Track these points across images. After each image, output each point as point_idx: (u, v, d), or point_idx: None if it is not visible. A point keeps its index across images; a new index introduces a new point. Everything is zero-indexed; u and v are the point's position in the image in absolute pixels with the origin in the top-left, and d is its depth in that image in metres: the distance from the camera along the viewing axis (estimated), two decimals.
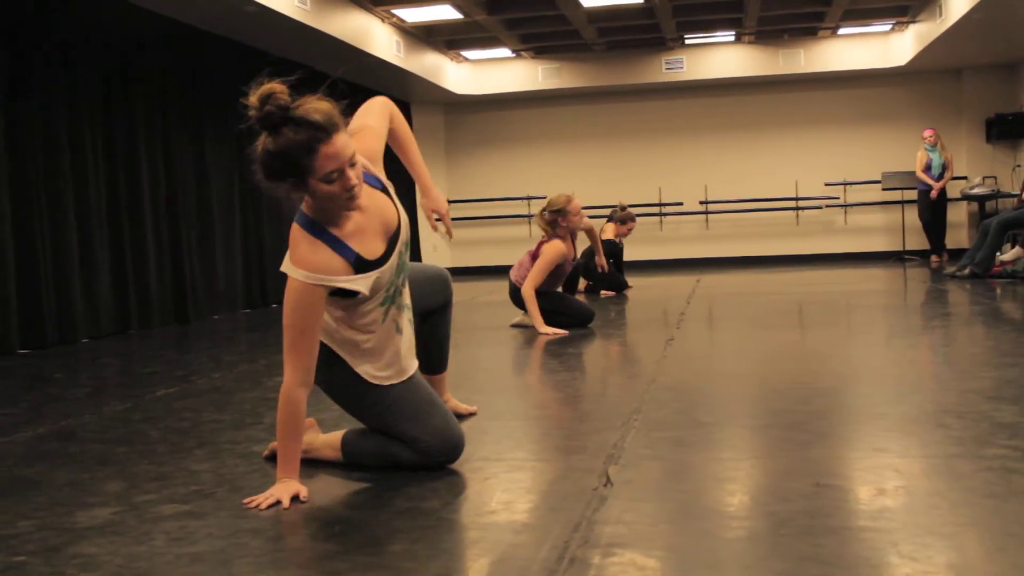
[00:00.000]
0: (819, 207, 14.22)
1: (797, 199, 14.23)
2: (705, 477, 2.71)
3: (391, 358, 2.85)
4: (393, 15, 10.74)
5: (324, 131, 2.55)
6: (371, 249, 2.71)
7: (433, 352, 3.47)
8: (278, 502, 2.55)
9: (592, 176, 14.29)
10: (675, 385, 4.25)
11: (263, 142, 2.59)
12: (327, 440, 2.98)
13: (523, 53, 13.51)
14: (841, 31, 12.95)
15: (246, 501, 2.58)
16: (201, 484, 2.81)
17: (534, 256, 6.61)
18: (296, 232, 2.68)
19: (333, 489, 2.72)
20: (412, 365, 2.94)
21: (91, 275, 7.28)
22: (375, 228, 2.75)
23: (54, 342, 6.81)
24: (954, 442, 2.94)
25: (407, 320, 2.95)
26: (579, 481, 2.67)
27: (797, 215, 14.37)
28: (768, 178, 14.27)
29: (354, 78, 11.86)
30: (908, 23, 12.41)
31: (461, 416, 3.55)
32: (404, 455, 2.84)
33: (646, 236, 14.20)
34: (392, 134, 3.14)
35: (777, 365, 4.86)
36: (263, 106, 2.59)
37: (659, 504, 2.45)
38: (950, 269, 9.98)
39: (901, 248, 13.70)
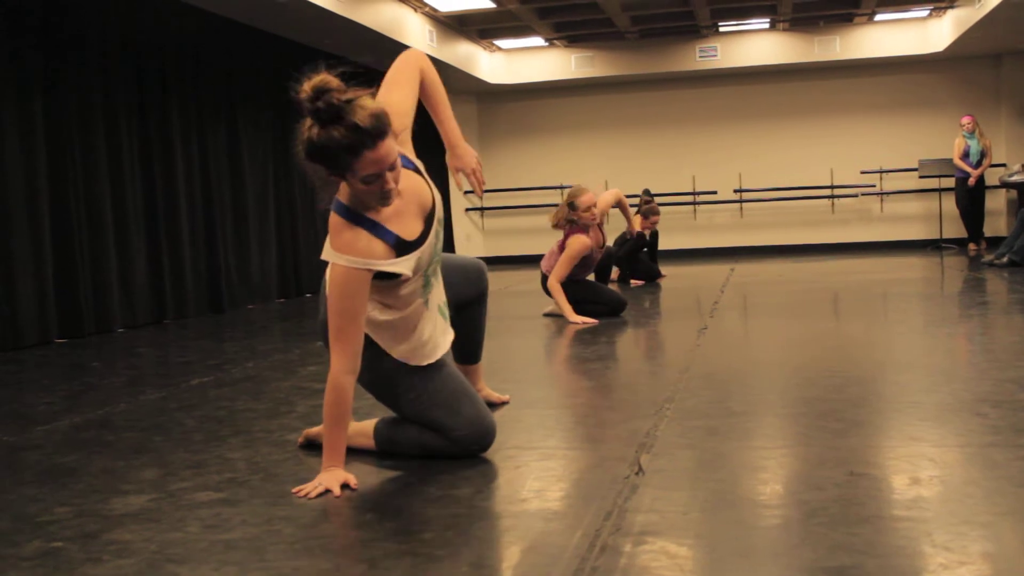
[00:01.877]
0: (855, 195, 14.11)
1: (832, 187, 14.12)
2: (737, 466, 2.70)
3: (427, 335, 2.85)
4: (426, 4, 10.74)
5: (371, 137, 2.51)
6: (410, 230, 2.72)
7: (467, 342, 3.46)
8: (327, 491, 2.56)
9: (625, 165, 14.25)
10: (708, 374, 4.24)
11: (310, 129, 2.55)
12: (359, 428, 2.99)
13: (556, 42, 13.48)
14: (878, 17, 12.82)
15: (295, 490, 2.59)
16: (236, 472, 2.83)
17: (561, 247, 6.60)
18: (335, 220, 2.67)
19: (366, 477, 2.73)
20: (446, 343, 2.94)
21: (127, 266, 7.36)
22: (412, 209, 2.76)
23: (91, 332, 6.89)
24: (990, 431, 2.91)
25: (441, 299, 2.96)
26: (611, 469, 2.67)
27: (832, 203, 14.26)
28: (803, 166, 14.17)
29: (387, 68, 11.88)
30: (946, 8, 12.26)
31: (494, 405, 3.56)
32: (436, 443, 2.85)
33: (680, 225, 14.16)
34: (422, 89, 3.11)
35: (811, 354, 4.82)
36: (316, 99, 2.54)
37: (691, 492, 2.44)
38: (988, 257, 9.87)
39: (938, 236, 13.56)
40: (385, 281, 2.72)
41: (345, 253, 2.63)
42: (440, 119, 3.14)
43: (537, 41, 13.34)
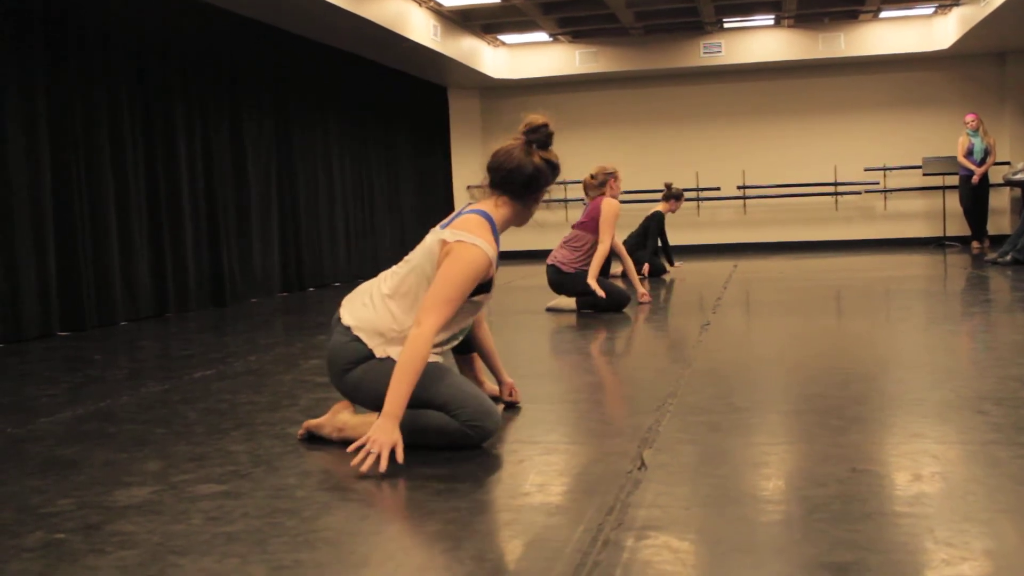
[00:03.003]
0: (858, 192, 14.10)
1: (836, 184, 14.10)
2: (740, 462, 2.70)
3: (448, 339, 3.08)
4: None
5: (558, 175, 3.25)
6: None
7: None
8: (378, 459, 2.63)
9: (629, 161, 14.21)
10: (711, 370, 4.24)
11: (521, 153, 3.14)
12: (363, 420, 3.00)
13: (560, 37, 13.47)
14: (883, 14, 12.79)
15: (350, 449, 2.69)
16: (238, 464, 2.83)
17: (582, 223, 6.77)
18: (480, 221, 3.00)
19: (368, 475, 2.73)
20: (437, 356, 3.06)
21: (130, 259, 7.36)
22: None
23: (93, 325, 6.89)
24: (992, 429, 2.91)
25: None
26: (613, 464, 2.67)
27: (836, 200, 14.24)
28: (807, 163, 14.16)
29: (391, 62, 11.89)
30: (951, 6, 12.24)
31: (497, 400, 3.56)
32: (442, 425, 2.87)
33: (683, 221, 14.14)
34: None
35: (814, 350, 4.82)
36: (535, 131, 3.24)
37: (693, 488, 2.44)
38: (991, 255, 9.86)
39: (942, 234, 13.55)
40: (473, 296, 2.97)
41: (487, 244, 2.94)
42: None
43: (541, 36, 13.33)
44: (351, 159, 11.25)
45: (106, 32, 7.24)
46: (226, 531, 2.23)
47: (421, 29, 10.82)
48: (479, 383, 3.56)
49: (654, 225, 9.94)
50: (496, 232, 3.05)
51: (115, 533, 2.25)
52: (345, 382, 3.01)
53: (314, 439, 3.08)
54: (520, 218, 3.15)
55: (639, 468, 2.61)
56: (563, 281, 6.75)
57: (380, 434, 2.67)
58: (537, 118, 3.20)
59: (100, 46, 7.17)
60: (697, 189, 14.36)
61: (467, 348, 3.54)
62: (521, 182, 3.08)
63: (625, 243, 9.14)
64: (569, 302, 6.70)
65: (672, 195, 10.31)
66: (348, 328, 3.02)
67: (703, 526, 2.16)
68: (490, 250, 2.93)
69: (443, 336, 2.99)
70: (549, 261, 6.85)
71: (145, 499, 2.52)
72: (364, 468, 2.62)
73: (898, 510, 2.20)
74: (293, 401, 3.81)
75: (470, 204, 3.15)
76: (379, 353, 2.95)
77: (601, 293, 6.48)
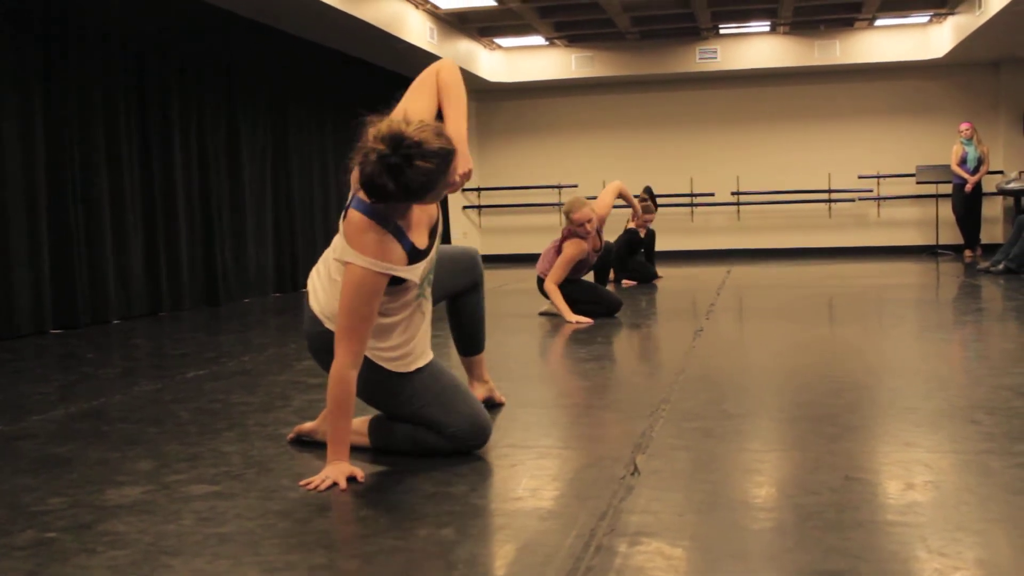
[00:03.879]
0: (852, 200, 14.13)
1: (830, 191, 14.14)
2: (733, 468, 2.70)
3: (414, 341, 2.87)
4: (427, 1, 10.74)
5: (451, 156, 2.65)
6: (420, 240, 2.77)
7: (467, 333, 3.47)
8: (335, 484, 2.56)
9: (624, 166, 14.25)
10: (704, 376, 4.24)
11: (396, 174, 2.56)
12: (353, 426, 2.98)
13: (556, 41, 13.48)
14: (878, 22, 12.83)
15: (302, 483, 2.59)
16: (230, 465, 2.83)
17: (557, 249, 6.64)
18: (360, 220, 2.68)
19: (361, 471, 2.73)
20: (430, 351, 2.96)
21: (124, 257, 7.35)
22: (423, 220, 2.81)
23: (86, 323, 6.88)
24: (985, 438, 2.91)
25: (428, 306, 2.97)
26: (606, 470, 2.67)
27: (830, 207, 14.27)
28: (801, 170, 14.19)
29: (387, 64, 11.88)
30: (947, 15, 12.27)
31: (493, 405, 3.56)
32: (431, 439, 2.84)
33: (677, 226, 14.17)
34: (438, 90, 3.05)
35: (807, 358, 4.83)
36: (395, 150, 2.57)
37: (686, 494, 2.44)
38: (984, 264, 9.88)
39: (934, 242, 13.58)
40: (391, 286, 2.73)
41: (368, 255, 2.64)
42: (447, 116, 3.07)
43: (538, 40, 13.34)
44: (345, 158, 11.21)
45: (104, 31, 7.24)
46: (218, 532, 2.23)
47: (417, 31, 10.83)
48: (483, 381, 3.55)
49: (624, 238, 9.65)
50: (381, 217, 2.67)
51: (106, 533, 2.25)
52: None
53: (303, 443, 3.07)
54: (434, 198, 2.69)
55: (632, 474, 2.61)
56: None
57: (334, 470, 2.61)
58: (377, 139, 2.63)
59: (97, 44, 7.16)
60: (691, 195, 14.38)
61: (474, 349, 3.51)
62: (421, 194, 2.65)
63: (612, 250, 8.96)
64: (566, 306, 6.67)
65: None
66: (315, 317, 2.87)
67: (696, 532, 2.16)
68: (372, 263, 2.62)
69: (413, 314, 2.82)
70: (536, 271, 6.85)
71: (137, 499, 2.51)
72: (320, 489, 2.55)
73: (891, 519, 2.20)
74: (286, 402, 3.80)
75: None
76: None
77: (573, 319, 6.35)
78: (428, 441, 2.85)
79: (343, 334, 2.65)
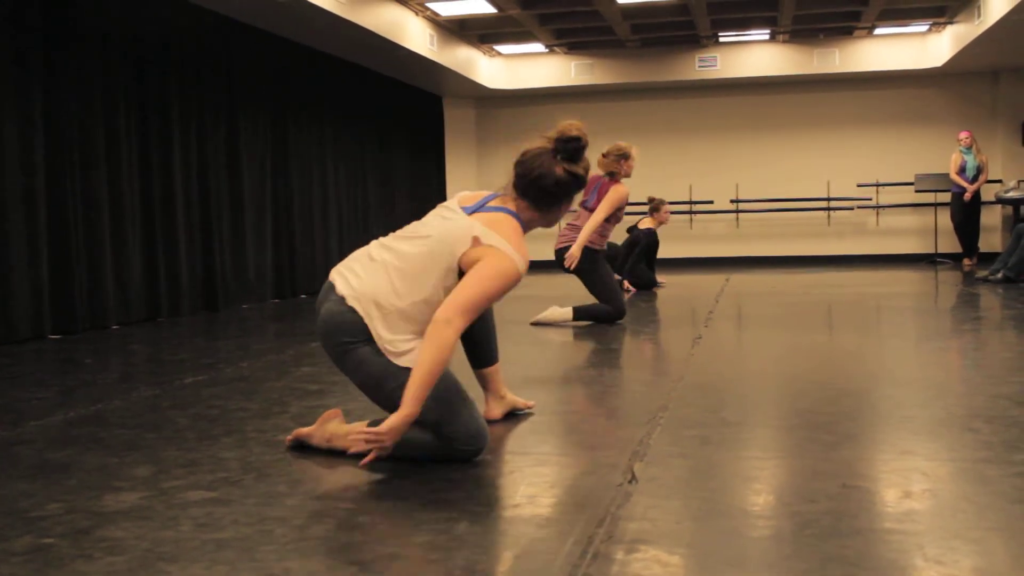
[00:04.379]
0: (851, 208, 14.13)
1: (829, 199, 14.14)
2: (730, 476, 2.71)
3: (420, 339, 2.88)
4: (427, 8, 10.76)
5: (582, 188, 3.18)
6: None
7: (482, 343, 3.43)
8: (380, 448, 2.69)
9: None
10: (702, 383, 4.24)
11: (546, 160, 3.04)
12: (349, 429, 2.98)
13: (556, 48, 13.49)
14: (877, 31, 12.85)
15: (356, 436, 2.72)
16: (228, 471, 2.83)
17: (585, 204, 6.81)
18: (514, 225, 2.98)
19: (357, 480, 2.73)
20: None
21: (122, 262, 7.35)
22: None
23: (85, 328, 6.88)
24: (982, 446, 2.92)
25: None
26: (604, 477, 2.67)
27: (829, 216, 14.28)
28: (800, 178, 14.20)
29: (387, 71, 11.90)
30: (946, 24, 12.29)
31: (518, 411, 3.54)
32: (429, 443, 2.84)
33: (676, 234, 14.16)
34: None
35: (805, 365, 4.83)
36: (567, 142, 3.04)
37: (684, 502, 2.44)
38: (982, 273, 9.89)
39: (933, 251, 13.59)
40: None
41: (522, 255, 2.92)
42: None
43: (537, 47, 13.36)
44: (346, 166, 11.25)
45: (104, 33, 7.24)
46: (216, 538, 2.23)
47: (417, 38, 10.84)
48: (499, 397, 3.52)
49: (644, 241, 9.82)
50: (523, 228, 3.04)
51: (104, 539, 2.25)
52: (344, 361, 2.91)
53: (303, 447, 3.07)
54: (543, 222, 3.12)
55: (630, 481, 2.61)
56: (583, 259, 6.76)
57: (391, 436, 2.66)
58: (571, 128, 3.04)
59: (98, 48, 7.17)
60: (690, 202, 14.39)
61: (488, 360, 3.48)
62: (541, 191, 3.03)
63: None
64: (563, 313, 6.68)
65: (654, 208, 10.12)
66: (342, 298, 2.90)
67: (693, 540, 2.16)
68: (522, 264, 2.91)
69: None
70: (558, 245, 6.86)
71: (134, 505, 2.51)
72: (357, 449, 2.71)
73: (888, 527, 2.20)
74: (284, 408, 3.80)
75: (495, 195, 3.09)
76: (374, 328, 2.85)
77: (575, 255, 6.51)
78: (425, 444, 2.84)
79: (467, 307, 2.78)
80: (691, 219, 14.52)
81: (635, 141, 14.42)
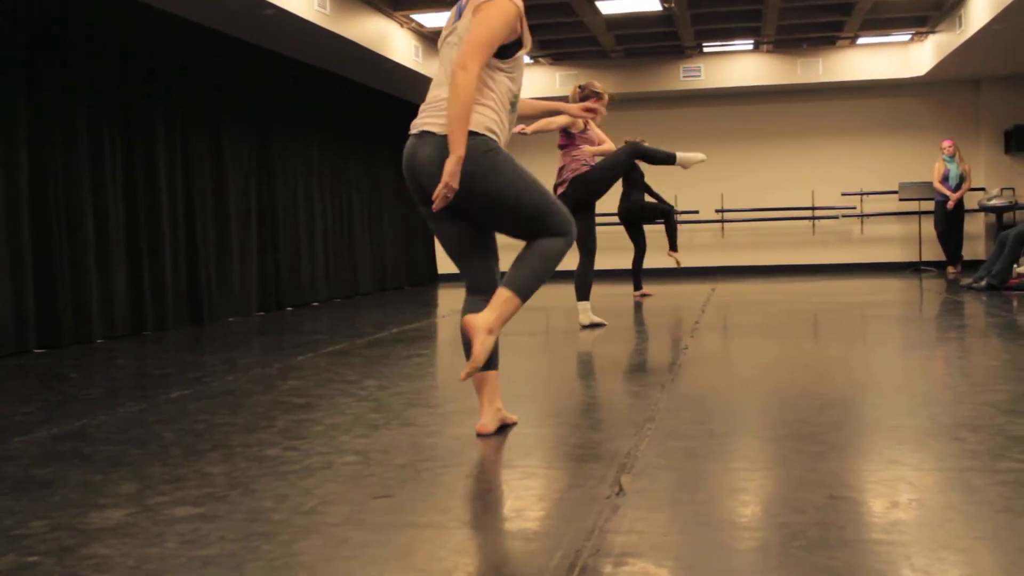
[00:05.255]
0: (836, 217, 14.19)
1: (814, 208, 14.20)
2: (718, 487, 2.70)
3: (504, 127, 3.38)
4: (412, 20, 10.77)
5: None
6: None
7: None
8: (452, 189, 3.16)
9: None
10: (689, 394, 4.24)
11: None
12: (494, 303, 3.29)
13: (541, 59, 13.52)
14: (860, 40, 12.92)
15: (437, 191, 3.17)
16: (214, 487, 2.82)
17: (570, 145, 7.15)
18: None
19: (345, 495, 2.72)
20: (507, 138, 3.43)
21: (107, 276, 7.33)
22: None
23: (70, 342, 6.85)
24: (969, 455, 2.92)
25: (513, 122, 3.47)
26: (592, 489, 2.67)
27: (813, 224, 14.33)
28: (785, 187, 14.25)
29: (372, 82, 11.90)
30: (928, 33, 12.37)
31: (506, 425, 3.52)
32: (546, 239, 3.35)
33: (662, 244, 14.17)
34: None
35: (791, 375, 4.84)
36: None
37: (671, 514, 2.44)
38: (966, 281, 9.93)
39: (918, 259, 13.65)
40: (508, 55, 3.33)
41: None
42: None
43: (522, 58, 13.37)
44: (331, 178, 11.24)
45: (89, 48, 7.23)
46: (202, 555, 2.22)
47: (403, 50, 10.85)
48: (494, 407, 3.47)
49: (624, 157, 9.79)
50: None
51: (89, 556, 2.23)
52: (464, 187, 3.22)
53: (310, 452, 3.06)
54: None
55: (617, 494, 2.61)
56: (589, 179, 6.94)
57: (450, 179, 3.13)
58: None
59: (82, 61, 7.16)
60: (676, 212, 14.40)
61: (488, 365, 3.43)
62: None
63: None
64: (584, 309, 6.86)
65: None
66: (436, 137, 3.28)
67: (681, 552, 2.16)
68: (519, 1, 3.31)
69: (507, 98, 3.37)
70: (567, 176, 6.97)
71: (120, 521, 2.50)
72: (442, 202, 3.16)
73: (875, 537, 2.21)
74: (271, 423, 3.79)
75: None
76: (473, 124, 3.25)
77: (610, 146, 6.74)
78: (545, 247, 3.35)
79: (474, 46, 3.21)
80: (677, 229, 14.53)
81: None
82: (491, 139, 3.30)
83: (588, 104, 4.06)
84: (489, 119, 3.31)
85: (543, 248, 3.36)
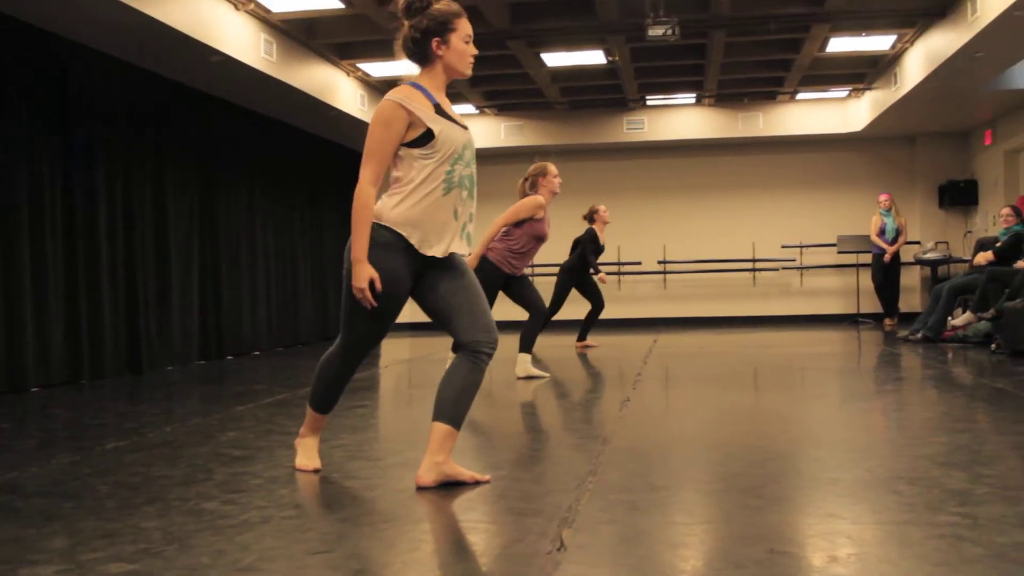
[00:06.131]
0: (776, 269, 14.37)
1: (754, 260, 14.38)
2: (659, 542, 2.71)
3: (428, 224, 3.33)
4: (358, 69, 10.81)
5: (460, 13, 3.46)
6: (450, 111, 3.45)
7: (441, 394, 3.40)
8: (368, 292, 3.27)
9: (551, 232, 14.31)
10: (630, 447, 4.25)
11: (412, 25, 3.43)
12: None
13: (487, 110, 13.62)
14: (799, 96, 13.19)
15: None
16: (149, 542, 2.76)
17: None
18: (403, 86, 3.42)
19: (282, 552, 2.68)
20: (446, 248, 3.37)
21: (43, 323, 7.19)
22: (454, 115, 3.48)
23: (3, 391, 6.71)
24: (906, 509, 2.96)
25: (464, 209, 3.41)
26: (533, 544, 2.66)
27: (754, 276, 14.50)
28: (726, 239, 14.43)
29: (318, 131, 11.90)
30: (865, 90, 12.66)
31: (463, 483, 3.44)
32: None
33: (605, 295, 14.25)
34: None
35: (732, 427, 4.87)
36: (409, 7, 3.44)
37: (613, 569, 2.44)
38: (903, 333, 10.09)
39: (855, 311, 13.85)
40: (422, 143, 3.32)
41: (394, 96, 3.35)
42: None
43: (468, 108, 13.46)
44: (275, 226, 11.18)
45: (28, 94, 7.14)
46: None
47: (349, 98, 10.87)
48: (434, 460, 3.41)
49: (585, 236, 10.11)
50: (427, 92, 3.40)
51: None
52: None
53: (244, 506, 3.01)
54: (447, 73, 3.50)
55: (558, 549, 2.60)
56: (482, 267, 6.81)
57: (357, 281, 3.23)
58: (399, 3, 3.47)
59: (22, 106, 7.07)
60: (619, 263, 14.52)
61: (434, 415, 3.40)
62: (411, 53, 3.49)
63: (567, 268, 9.94)
64: (523, 362, 6.88)
65: (591, 215, 10.34)
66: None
67: None
68: (398, 96, 3.32)
69: (436, 181, 3.36)
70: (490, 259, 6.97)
71: None
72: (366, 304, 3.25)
73: None
74: (209, 475, 3.73)
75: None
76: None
77: (473, 261, 6.65)
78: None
79: (366, 157, 3.33)
80: (619, 280, 14.64)
81: (564, 202, 14.53)
82: (387, 232, 3.32)
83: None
84: (399, 212, 3.33)
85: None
